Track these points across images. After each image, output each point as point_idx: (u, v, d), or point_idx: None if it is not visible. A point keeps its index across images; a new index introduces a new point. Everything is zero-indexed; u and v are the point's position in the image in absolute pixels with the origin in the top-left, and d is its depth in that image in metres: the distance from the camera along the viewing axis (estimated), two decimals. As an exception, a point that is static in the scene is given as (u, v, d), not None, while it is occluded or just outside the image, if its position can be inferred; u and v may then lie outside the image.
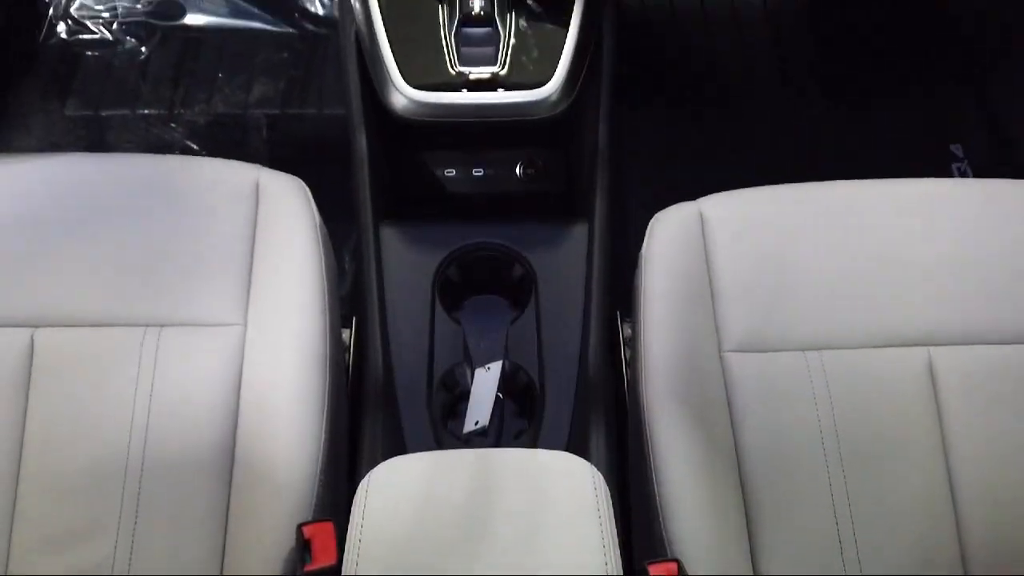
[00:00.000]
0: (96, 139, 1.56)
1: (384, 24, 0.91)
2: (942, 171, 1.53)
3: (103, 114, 1.59)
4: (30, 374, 0.77)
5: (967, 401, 0.78)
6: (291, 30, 1.70)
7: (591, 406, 0.97)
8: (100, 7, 1.69)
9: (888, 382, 0.79)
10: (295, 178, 0.91)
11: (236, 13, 1.71)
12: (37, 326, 0.79)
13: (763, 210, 0.89)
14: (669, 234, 0.88)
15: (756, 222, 0.87)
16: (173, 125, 1.58)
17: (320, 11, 1.73)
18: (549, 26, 0.91)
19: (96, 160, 0.95)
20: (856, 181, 0.93)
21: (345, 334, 1.05)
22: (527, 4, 0.91)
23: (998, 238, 0.86)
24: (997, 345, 0.81)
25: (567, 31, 0.91)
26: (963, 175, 1.52)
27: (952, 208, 0.89)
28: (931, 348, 0.80)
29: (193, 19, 1.70)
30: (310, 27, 1.71)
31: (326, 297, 0.84)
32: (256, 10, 1.71)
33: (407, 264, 1.06)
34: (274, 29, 1.70)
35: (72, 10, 1.69)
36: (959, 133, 1.57)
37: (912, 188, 0.92)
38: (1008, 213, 0.88)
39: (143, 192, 0.88)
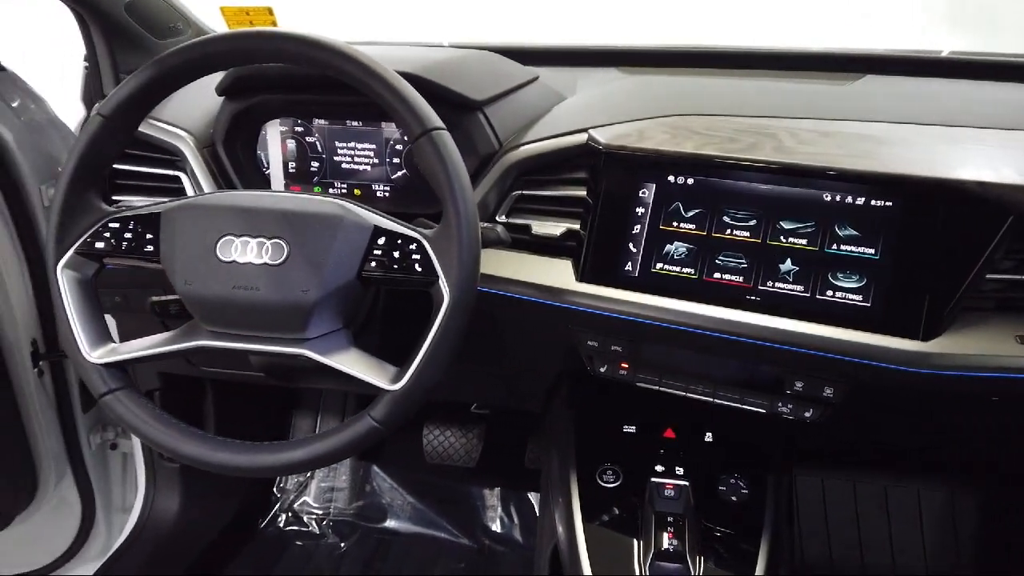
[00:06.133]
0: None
1: (586, 540, 1.02)
2: None
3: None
4: None
5: None
6: (471, 544, 1.87)
7: None
8: (316, 504, 1.97)
9: None
10: None
11: (426, 522, 1.93)
12: None
13: None
14: None
15: None
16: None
17: (499, 529, 1.90)
18: (737, 563, 0.99)
19: None
20: None
21: None
22: (714, 547, 1.01)
23: None
24: None
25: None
26: None
27: None
28: None
29: (391, 523, 1.93)
30: (487, 542, 1.88)
31: None
32: (443, 521, 1.92)
33: None
34: (456, 541, 1.88)
35: (296, 505, 1.97)
36: None
37: None
38: None
39: None
